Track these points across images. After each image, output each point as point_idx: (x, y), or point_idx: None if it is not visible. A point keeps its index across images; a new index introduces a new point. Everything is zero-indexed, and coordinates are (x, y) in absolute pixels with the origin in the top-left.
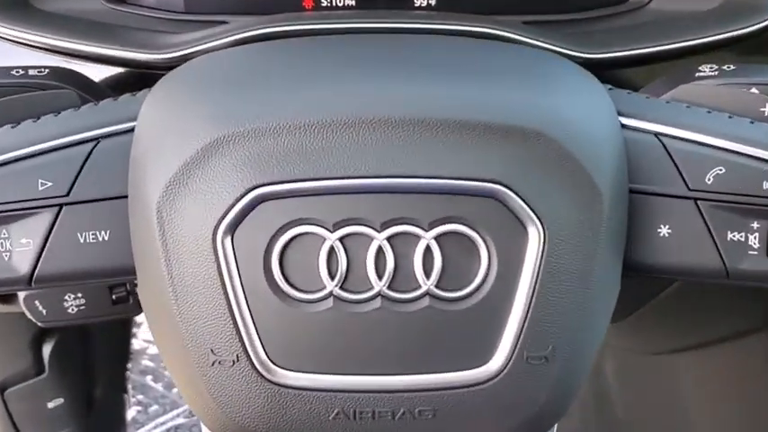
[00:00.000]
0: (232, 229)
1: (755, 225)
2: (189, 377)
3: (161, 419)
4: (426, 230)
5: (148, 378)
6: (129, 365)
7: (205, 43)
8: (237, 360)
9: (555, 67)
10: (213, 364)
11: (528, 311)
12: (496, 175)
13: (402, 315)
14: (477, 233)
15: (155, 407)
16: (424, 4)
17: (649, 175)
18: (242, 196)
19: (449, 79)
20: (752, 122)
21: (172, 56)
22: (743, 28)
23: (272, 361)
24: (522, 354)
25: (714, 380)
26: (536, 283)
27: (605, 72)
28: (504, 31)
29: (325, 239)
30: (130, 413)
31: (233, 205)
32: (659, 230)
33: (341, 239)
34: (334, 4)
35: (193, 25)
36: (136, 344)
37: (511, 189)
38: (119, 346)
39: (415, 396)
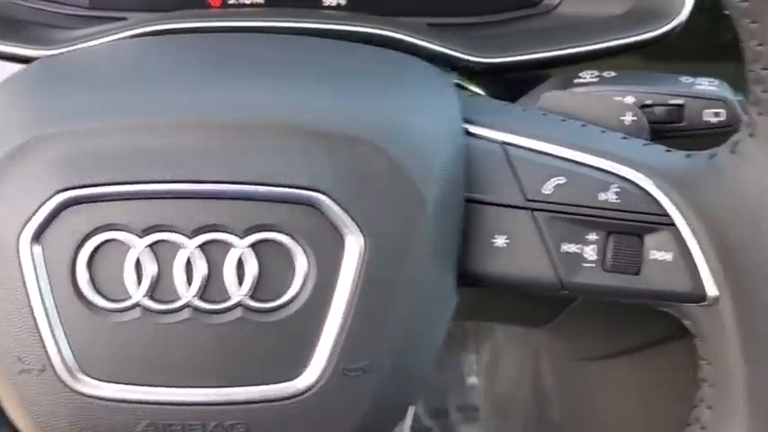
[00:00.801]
0: (38, 234)
1: (591, 237)
2: (1, 384)
3: None
4: (240, 238)
5: None
6: None
7: (94, 39)
8: (44, 369)
9: (405, 71)
10: (21, 373)
11: (345, 323)
12: (314, 183)
13: (212, 326)
14: (295, 242)
15: None
16: (334, 3)
17: (489, 184)
18: (47, 200)
19: (277, 82)
20: (603, 131)
21: (56, 52)
22: (644, 33)
23: (79, 371)
24: (339, 366)
25: (638, 386)
26: (355, 293)
27: None
28: (401, 33)
29: (133, 246)
30: None
31: (38, 209)
32: (495, 241)
33: (151, 247)
34: (240, 1)
35: (95, 21)
36: None
37: (329, 197)
38: None
39: (227, 409)
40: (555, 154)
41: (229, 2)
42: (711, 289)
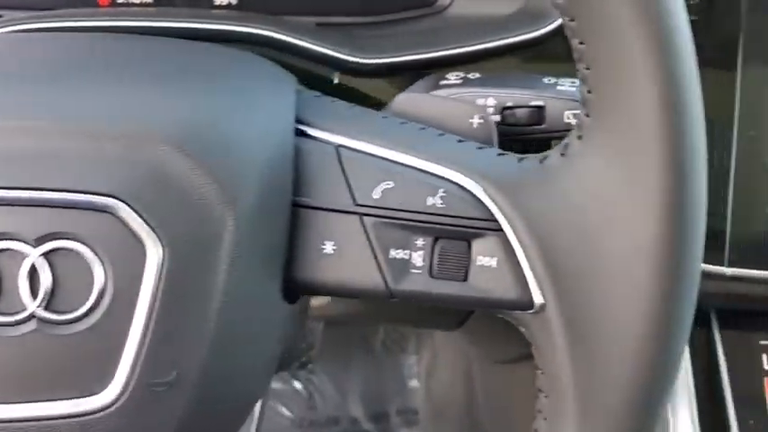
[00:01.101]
0: None
1: (419, 242)
2: None
3: None
4: (34, 247)
5: None
6: None
7: None
8: None
9: (238, 71)
10: None
11: (146, 335)
12: (110, 189)
13: (8, 339)
14: (91, 250)
15: None
16: (224, 2)
17: (321, 188)
18: None
19: (87, 84)
20: (440, 134)
21: None
22: (527, 33)
23: None
24: (143, 380)
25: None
26: (155, 305)
27: None
28: (285, 34)
29: None
30: None
31: None
32: (323, 247)
33: None
34: (130, 0)
35: None
36: None
37: (126, 203)
38: None
39: (24, 426)
40: (386, 157)
41: (118, 1)
42: (538, 296)
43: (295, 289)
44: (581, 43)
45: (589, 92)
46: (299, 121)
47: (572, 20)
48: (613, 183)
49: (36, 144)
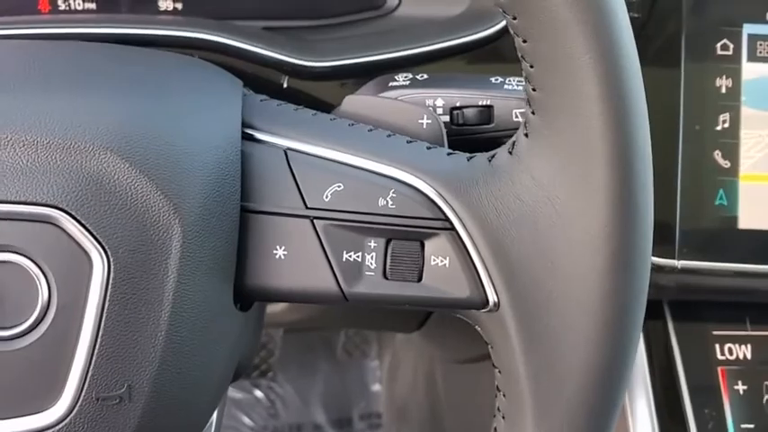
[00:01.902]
0: None
1: (372, 244)
2: None
3: None
4: None
5: None
6: None
7: None
8: None
9: (179, 76)
10: None
11: (95, 347)
12: (52, 199)
13: None
14: (34, 262)
15: None
16: (170, 8)
17: (269, 192)
18: None
19: (21, 91)
20: (389, 135)
21: None
22: (473, 34)
23: None
24: (92, 394)
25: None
26: (102, 315)
27: None
28: (231, 39)
29: None
30: None
31: None
32: (275, 252)
33: None
34: (72, 7)
35: None
36: None
37: (68, 213)
38: None
39: None
40: (335, 159)
41: (60, 7)
42: (491, 294)
43: (248, 296)
44: (524, 41)
45: (534, 89)
46: (246, 125)
47: (514, 18)
48: (561, 178)
49: None
